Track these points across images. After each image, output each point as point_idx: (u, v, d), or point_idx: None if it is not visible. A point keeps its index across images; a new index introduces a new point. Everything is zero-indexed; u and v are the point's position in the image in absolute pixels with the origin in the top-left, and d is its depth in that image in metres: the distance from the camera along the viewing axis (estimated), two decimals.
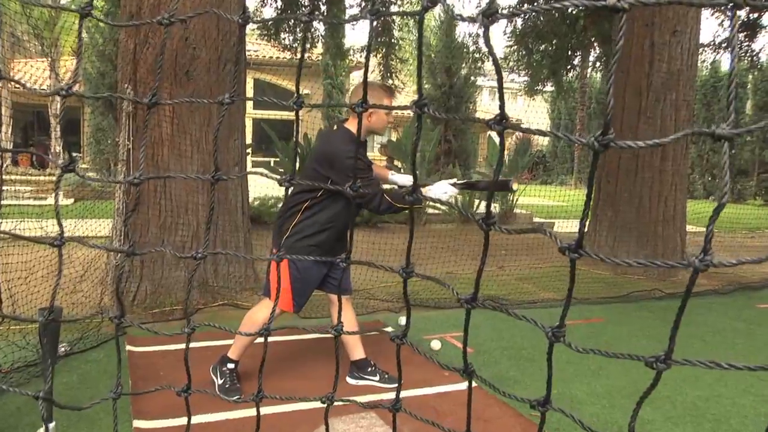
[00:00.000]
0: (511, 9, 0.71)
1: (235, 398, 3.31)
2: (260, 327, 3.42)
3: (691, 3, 0.68)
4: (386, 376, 3.72)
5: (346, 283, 3.79)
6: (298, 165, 3.88)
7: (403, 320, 4.88)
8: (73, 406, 1.06)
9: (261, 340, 3.60)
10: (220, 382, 3.48)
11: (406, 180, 3.73)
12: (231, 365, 3.52)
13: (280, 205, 10.76)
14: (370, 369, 3.73)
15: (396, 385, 3.69)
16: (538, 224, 12.40)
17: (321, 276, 3.55)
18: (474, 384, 0.98)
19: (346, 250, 3.49)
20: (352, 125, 3.44)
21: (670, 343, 0.68)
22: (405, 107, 0.90)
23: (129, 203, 5.18)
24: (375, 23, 0.91)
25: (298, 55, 12.98)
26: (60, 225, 1.03)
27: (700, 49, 10.99)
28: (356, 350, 3.72)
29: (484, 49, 16.41)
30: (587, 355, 3.51)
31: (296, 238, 3.36)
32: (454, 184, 3.39)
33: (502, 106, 0.72)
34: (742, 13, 11.83)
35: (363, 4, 11.90)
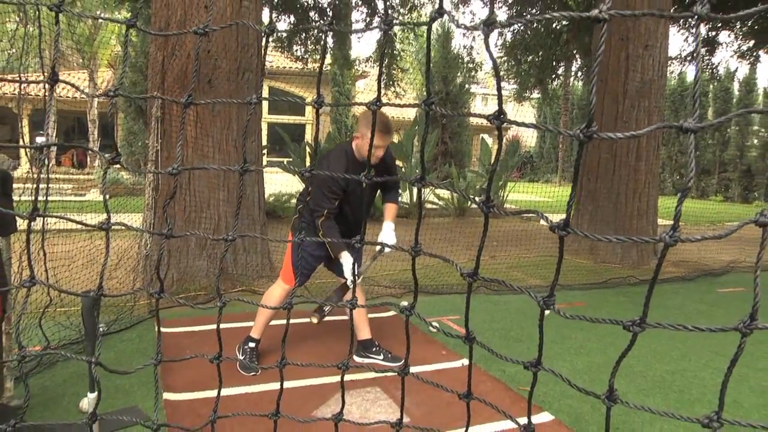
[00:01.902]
0: (508, 20, 0.73)
1: (251, 374, 3.36)
2: (275, 304, 3.50)
3: (662, 15, 0.70)
4: (389, 355, 3.73)
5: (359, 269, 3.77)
6: (311, 163, 3.88)
7: (403, 303, 4.90)
8: (120, 371, 1.09)
9: (276, 321, 3.65)
10: (241, 358, 3.53)
11: (387, 237, 3.48)
12: (252, 344, 3.58)
13: (293, 201, 10.81)
14: (375, 348, 3.75)
15: (398, 363, 3.73)
16: (539, 215, 12.42)
17: (320, 256, 3.54)
18: (468, 362, 1.01)
19: (354, 236, 3.54)
20: (352, 146, 3.45)
21: (644, 309, 0.70)
22: (415, 105, 0.92)
23: (161, 195, 5.22)
24: (386, 34, 0.93)
25: (309, 65, 12.99)
26: (107, 211, 1.06)
27: (669, 62, 11.04)
28: (363, 331, 3.74)
29: (478, 59, 16.36)
30: (570, 335, 3.53)
31: (299, 221, 3.44)
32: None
33: (500, 103, 0.74)
34: (702, 30, 11.85)
35: (367, 19, 11.90)
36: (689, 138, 0.63)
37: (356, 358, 3.76)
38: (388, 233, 3.47)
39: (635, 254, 7.73)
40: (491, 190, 0.87)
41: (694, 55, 0.72)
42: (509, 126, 0.83)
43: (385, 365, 3.68)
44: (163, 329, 4.15)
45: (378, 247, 3.48)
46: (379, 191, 3.85)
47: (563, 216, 0.76)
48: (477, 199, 0.84)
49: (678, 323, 0.75)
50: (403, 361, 1.13)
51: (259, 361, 3.57)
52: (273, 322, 3.63)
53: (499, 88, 0.75)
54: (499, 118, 0.73)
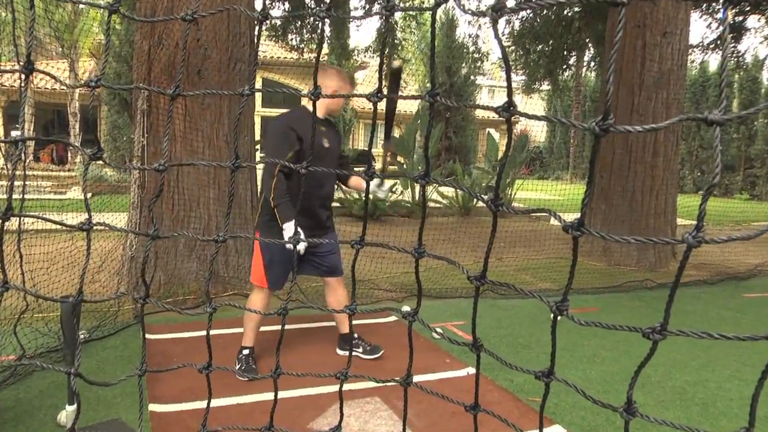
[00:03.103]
0: (517, 4, 0.72)
1: (250, 376, 3.36)
2: (259, 309, 3.51)
3: None
4: (368, 347, 3.88)
5: (335, 265, 3.72)
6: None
7: (405, 308, 4.90)
8: (101, 382, 1.08)
9: (267, 327, 3.64)
10: (237, 366, 3.55)
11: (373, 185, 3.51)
12: (246, 351, 3.62)
13: None
14: (354, 341, 3.87)
15: (377, 355, 3.83)
16: (552, 214, 12.41)
17: (291, 252, 3.47)
18: (473, 371, 1.00)
19: (321, 228, 3.57)
20: (309, 104, 3.54)
21: (665, 315, 0.70)
22: (419, 97, 0.92)
23: (147, 192, 5.21)
24: (387, 20, 0.92)
25: (305, 56, 12.97)
26: (88, 210, 1.05)
27: (690, 50, 11.00)
28: (345, 324, 3.86)
29: (484, 49, 16.36)
30: (581, 342, 3.52)
31: (262, 217, 3.48)
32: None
33: (509, 93, 0.73)
34: (729, 15, 11.81)
35: (366, 6, 11.90)
36: (714, 131, 0.62)
37: (339, 352, 3.92)
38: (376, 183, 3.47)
39: (652, 256, 7.72)
40: (491, 185, 0.86)
41: (720, 40, 0.72)
42: (518, 119, 0.82)
43: (366, 358, 3.84)
44: (149, 336, 4.14)
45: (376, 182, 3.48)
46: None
47: (577, 215, 0.75)
48: (485, 197, 0.83)
49: (701, 330, 0.74)
50: (407, 370, 1.12)
51: (257, 365, 3.61)
52: (265, 328, 3.63)
53: (508, 78, 0.74)
54: (508, 110, 0.72)
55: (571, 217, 0.81)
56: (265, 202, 3.41)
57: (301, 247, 3.39)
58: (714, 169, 0.61)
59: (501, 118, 0.81)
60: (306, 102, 3.62)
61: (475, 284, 0.89)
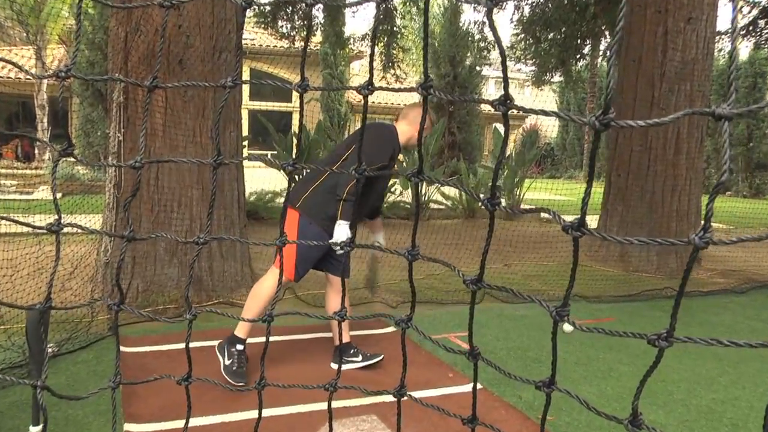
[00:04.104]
0: None
1: (240, 384, 3.38)
2: (267, 297, 3.56)
3: None
4: (368, 354, 3.97)
5: (348, 266, 4.04)
6: (295, 154, 3.96)
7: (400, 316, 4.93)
8: (71, 396, 1.10)
9: (258, 339, 3.65)
10: (228, 362, 3.55)
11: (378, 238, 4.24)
12: (240, 346, 3.62)
13: (278, 200, 10.82)
14: (352, 351, 3.94)
15: (378, 359, 3.96)
16: (550, 213, 12.43)
17: (324, 249, 3.78)
18: (479, 386, 1.02)
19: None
20: (399, 129, 3.92)
21: (672, 320, 0.71)
22: (410, 89, 0.93)
23: (123, 192, 5.21)
24: (386, 6, 0.94)
25: (296, 44, 12.99)
26: (57, 211, 1.07)
27: (717, 37, 10.94)
28: (342, 335, 3.89)
29: (491, 37, 16.41)
30: (597, 356, 3.54)
31: (317, 207, 3.69)
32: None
33: (506, 86, 0.75)
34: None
35: None
36: (722, 126, 0.64)
37: (333, 366, 3.95)
38: (380, 243, 3.96)
39: (673, 262, 7.73)
40: (497, 184, 0.88)
41: (733, 27, 0.73)
42: (526, 114, 0.84)
43: (365, 364, 3.92)
44: (125, 349, 4.15)
45: (371, 253, 4.03)
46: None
47: (593, 218, 0.77)
48: (482, 196, 0.85)
49: (719, 340, 0.76)
50: (400, 381, 1.14)
51: (248, 370, 3.61)
52: (257, 339, 3.64)
53: (504, 70, 0.76)
54: (505, 104, 0.74)
55: (586, 219, 0.82)
56: (327, 196, 3.64)
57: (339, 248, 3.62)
58: (722, 167, 0.62)
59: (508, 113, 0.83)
60: (400, 128, 3.93)
61: (471, 288, 0.91)
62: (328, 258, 3.86)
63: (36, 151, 18.36)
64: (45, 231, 1.07)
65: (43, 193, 13.26)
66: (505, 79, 0.76)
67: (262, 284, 3.71)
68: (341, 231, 3.53)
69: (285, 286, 3.84)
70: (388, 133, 3.83)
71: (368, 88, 0.91)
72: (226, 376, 3.49)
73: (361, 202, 3.79)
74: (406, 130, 3.91)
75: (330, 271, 3.92)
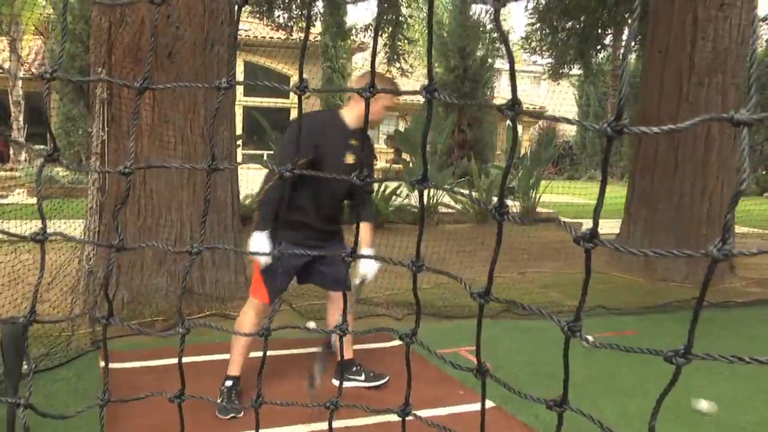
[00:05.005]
0: None
1: (229, 416, 3.40)
2: (251, 325, 3.55)
3: None
4: (371, 374, 3.94)
5: (341, 277, 3.76)
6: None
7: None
8: (55, 415, 1.12)
9: (255, 354, 3.68)
10: (218, 401, 3.58)
11: (368, 268, 3.70)
12: (229, 382, 3.64)
13: None
14: (355, 368, 3.94)
15: (383, 381, 3.88)
16: (560, 222, 12.41)
17: (296, 264, 3.62)
18: (493, 404, 1.04)
19: (322, 238, 3.64)
20: (347, 110, 3.61)
21: (689, 336, 0.73)
22: (414, 92, 0.95)
23: (108, 197, 5.24)
24: None
25: (294, 35, 13.01)
26: (42, 218, 1.09)
27: (758, 23, 10.84)
28: (346, 350, 3.93)
29: (504, 27, 16.55)
30: (619, 372, 3.54)
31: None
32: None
33: (514, 90, 0.77)
34: None
35: None
36: (742, 133, 0.66)
37: (334, 382, 3.90)
38: (369, 264, 3.65)
39: (704, 270, 7.66)
40: (510, 186, 0.90)
41: (753, 24, 0.75)
42: (543, 107, 0.86)
43: (367, 385, 3.90)
44: (111, 365, 4.17)
45: (359, 277, 3.70)
46: (348, 202, 3.91)
47: (612, 222, 0.79)
48: (494, 200, 0.87)
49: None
50: (405, 399, 1.16)
51: (240, 400, 3.63)
52: (257, 354, 3.66)
53: (512, 73, 0.78)
54: (512, 109, 0.76)
55: (605, 224, 0.84)
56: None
57: (263, 260, 3.44)
58: (741, 174, 0.64)
59: (523, 108, 0.84)
60: (348, 107, 3.60)
61: (478, 302, 0.93)
62: (312, 270, 3.72)
63: (11, 152, 18.26)
64: (29, 240, 1.10)
65: (19, 196, 13.29)
66: (513, 83, 0.78)
67: (244, 316, 3.67)
68: (253, 243, 3.34)
69: (265, 314, 3.64)
70: (295, 125, 3.55)
71: (370, 90, 0.94)
72: (218, 414, 3.48)
73: (310, 207, 3.54)
74: (354, 108, 3.54)
75: (323, 286, 3.88)
